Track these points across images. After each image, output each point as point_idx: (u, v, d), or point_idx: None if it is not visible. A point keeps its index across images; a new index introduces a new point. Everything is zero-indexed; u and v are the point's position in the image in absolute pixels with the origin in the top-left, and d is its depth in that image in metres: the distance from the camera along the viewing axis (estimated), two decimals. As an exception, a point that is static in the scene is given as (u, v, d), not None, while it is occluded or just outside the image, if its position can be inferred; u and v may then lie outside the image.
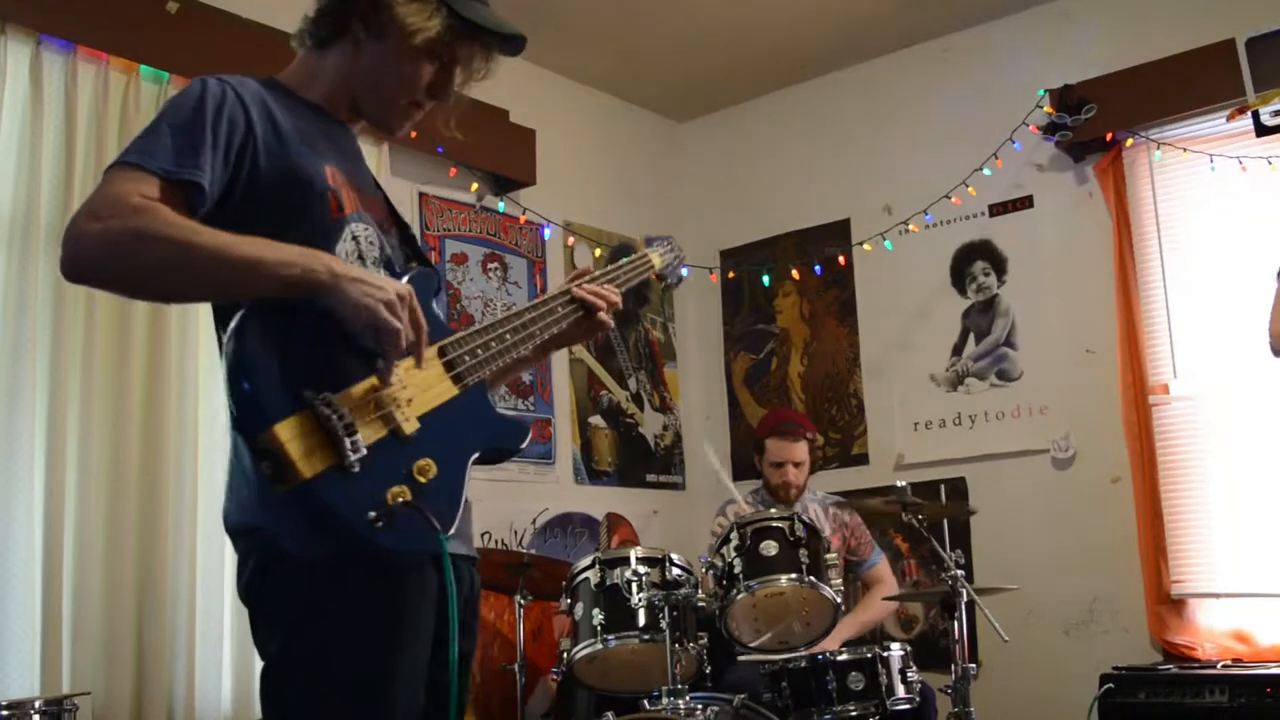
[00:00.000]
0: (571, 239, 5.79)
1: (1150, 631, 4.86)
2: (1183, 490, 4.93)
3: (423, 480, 1.86)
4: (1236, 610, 4.74)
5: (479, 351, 2.05)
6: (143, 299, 1.90)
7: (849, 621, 4.53)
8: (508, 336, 2.13)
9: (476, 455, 1.99)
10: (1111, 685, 4.29)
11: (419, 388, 1.92)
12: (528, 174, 5.49)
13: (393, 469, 1.83)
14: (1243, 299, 4.78)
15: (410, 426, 1.86)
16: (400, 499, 1.80)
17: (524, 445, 2.10)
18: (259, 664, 1.93)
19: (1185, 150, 5.03)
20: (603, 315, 2.36)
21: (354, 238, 2.01)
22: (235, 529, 1.95)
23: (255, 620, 1.97)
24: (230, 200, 1.92)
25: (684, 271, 2.75)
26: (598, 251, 5.87)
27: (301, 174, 1.98)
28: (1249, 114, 4.78)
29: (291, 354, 1.79)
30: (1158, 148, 5.10)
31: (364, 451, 1.77)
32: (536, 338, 2.23)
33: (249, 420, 1.73)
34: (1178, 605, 4.85)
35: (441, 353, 2.00)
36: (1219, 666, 4.34)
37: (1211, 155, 4.95)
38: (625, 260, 2.52)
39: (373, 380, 1.85)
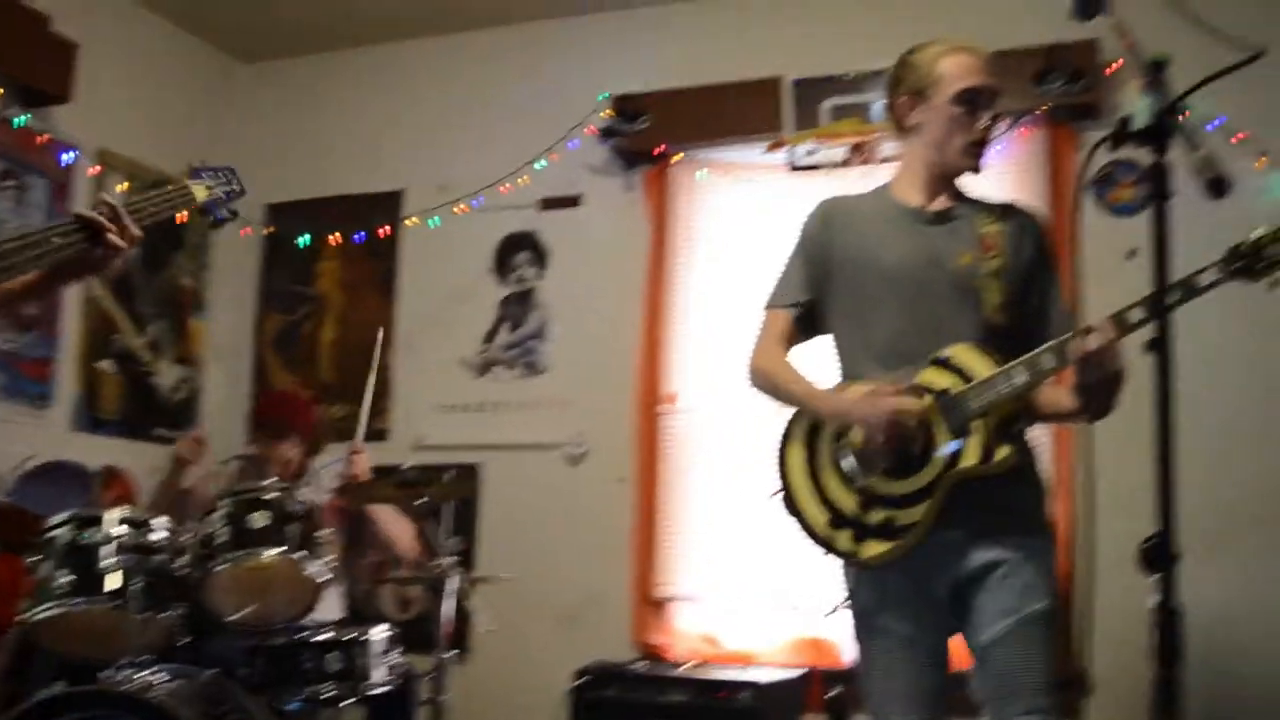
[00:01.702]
0: (99, 168, 5.33)
1: (634, 629, 5.05)
2: (675, 497, 5.16)
3: None
4: (707, 614, 5.02)
5: None
6: None
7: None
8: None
9: None
10: (585, 679, 4.44)
11: None
12: (63, 90, 5.05)
13: None
14: (744, 322, 5.06)
15: None
16: None
17: None
18: None
19: (725, 174, 5.27)
20: (111, 237, 2.17)
21: None
22: None
23: None
24: None
25: (234, 210, 2.60)
26: (125, 185, 5.44)
27: None
28: (785, 149, 5.10)
29: None
30: (701, 168, 5.32)
31: None
32: (29, 266, 2.07)
33: None
34: (658, 606, 5.10)
35: None
36: (684, 667, 4.58)
37: (747, 181, 5.21)
38: (157, 191, 2.34)
39: None
